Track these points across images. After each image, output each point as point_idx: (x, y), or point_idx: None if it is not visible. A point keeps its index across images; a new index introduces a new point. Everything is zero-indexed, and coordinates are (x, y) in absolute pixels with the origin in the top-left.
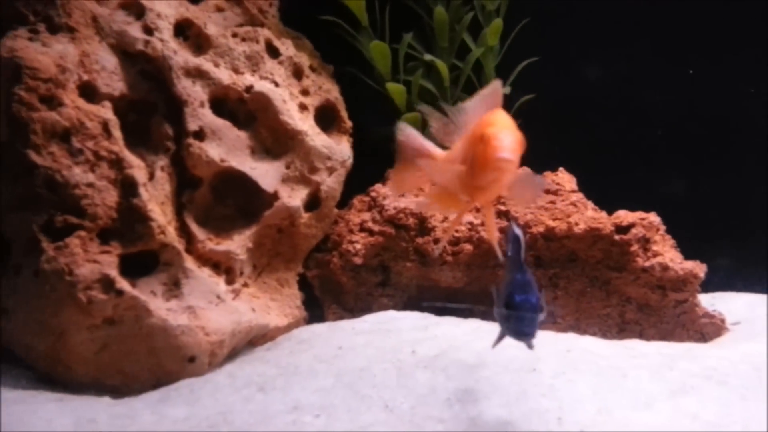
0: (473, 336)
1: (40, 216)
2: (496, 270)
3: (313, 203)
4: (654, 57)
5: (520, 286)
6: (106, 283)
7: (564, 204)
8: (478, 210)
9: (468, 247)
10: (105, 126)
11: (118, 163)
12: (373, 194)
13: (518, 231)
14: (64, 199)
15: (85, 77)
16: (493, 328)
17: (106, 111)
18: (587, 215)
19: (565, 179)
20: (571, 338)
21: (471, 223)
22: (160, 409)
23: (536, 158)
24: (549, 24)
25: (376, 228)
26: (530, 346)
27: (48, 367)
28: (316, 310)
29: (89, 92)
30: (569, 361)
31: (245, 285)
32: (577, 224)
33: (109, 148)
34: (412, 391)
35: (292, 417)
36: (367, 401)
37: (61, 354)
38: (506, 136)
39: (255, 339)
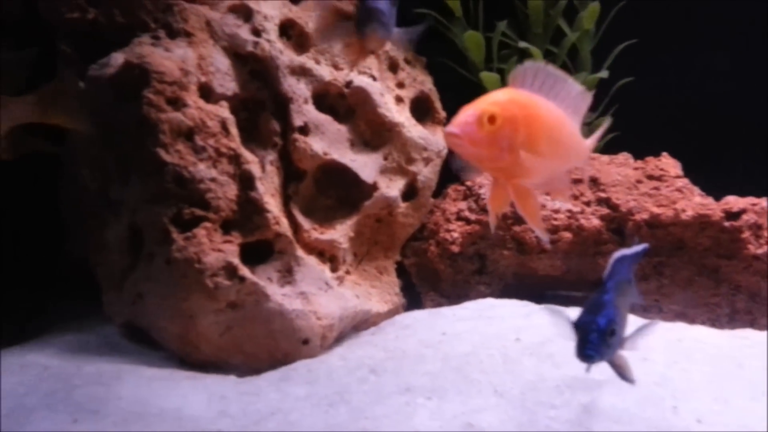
0: None
1: (170, 209)
2: (596, 258)
3: (410, 193)
4: (759, 37)
5: (592, 305)
6: (230, 270)
7: (669, 190)
8: (576, 197)
9: (567, 235)
10: (223, 124)
11: (236, 159)
12: (468, 183)
13: (621, 253)
14: (190, 193)
15: (203, 79)
16: None
17: (224, 110)
18: (694, 201)
19: (669, 164)
20: (681, 327)
21: (570, 211)
22: (283, 388)
23: (637, 143)
24: (646, 5)
25: (472, 217)
26: (587, 370)
27: (179, 347)
28: (413, 297)
29: (207, 93)
30: (681, 351)
31: (347, 272)
32: (684, 211)
33: (228, 145)
34: (520, 377)
35: (405, 398)
36: (476, 385)
37: (191, 335)
38: (467, 110)
39: (358, 324)
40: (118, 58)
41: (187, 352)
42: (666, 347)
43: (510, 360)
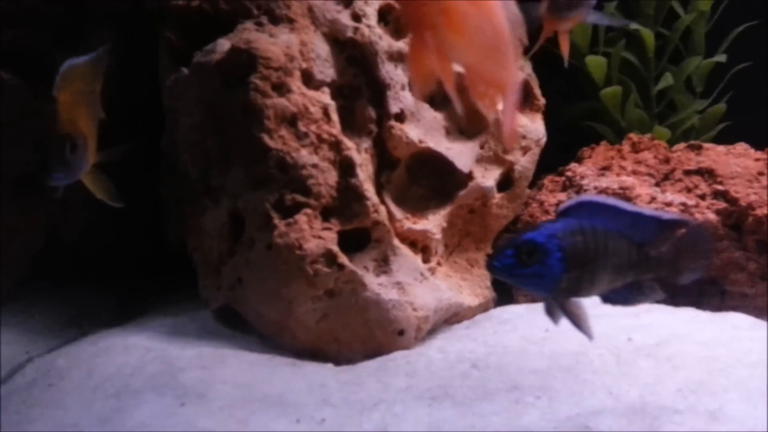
0: (693, 325)
1: (272, 195)
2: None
3: (505, 183)
4: None
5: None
6: (329, 258)
7: None
8: (689, 190)
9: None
10: (325, 111)
11: (336, 146)
12: (568, 174)
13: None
14: (292, 179)
15: (305, 65)
16: (713, 318)
17: (326, 96)
18: None
19: None
20: None
21: (684, 204)
22: (382, 378)
23: (754, 131)
24: None
25: None
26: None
27: (276, 333)
28: (503, 292)
29: (308, 79)
30: None
31: (438, 264)
32: None
33: (329, 131)
34: (636, 379)
35: (513, 396)
36: (589, 386)
37: (288, 322)
38: None
39: (450, 317)
40: (224, 44)
41: (283, 339)
42: None
43: (623, 361)
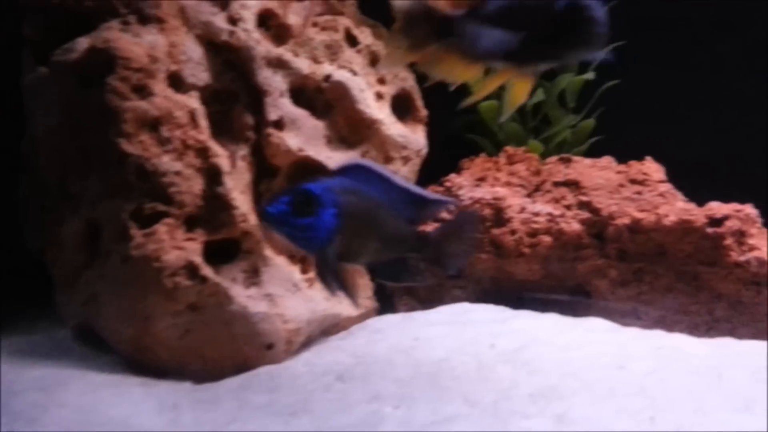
0: (554, 330)
1: (130, 203)
2: (575, 263)
3: None
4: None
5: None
6: (191, 270)
7: (652, 195)
8: (557, 201)
9: (547, 239)
10: (192, 115)
11: (203, 152)
12: (447, 184)
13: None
14: (152, 186)
15: (173, 67)
16: (574, 322)
17: (193, 101)
18: (677, 207)
19: (652, 168)
20: (659, 335)
21: (550, 214)
22: (242, 395)
23: (622, 145)
24: (633, 8)
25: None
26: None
27: (133, 351)
28: (386, 301)
29: (177, 82)
30: (660, 359)
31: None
32: (666, 216)
33: (196, 137)
34: (493, 385)
35: (372, 407)
36: (448, 393)
37: (147, 339)
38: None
39: (328, 328)
40: (82, 43)
41: (142, 357)
42: (644, 355)
43: (484, 367)
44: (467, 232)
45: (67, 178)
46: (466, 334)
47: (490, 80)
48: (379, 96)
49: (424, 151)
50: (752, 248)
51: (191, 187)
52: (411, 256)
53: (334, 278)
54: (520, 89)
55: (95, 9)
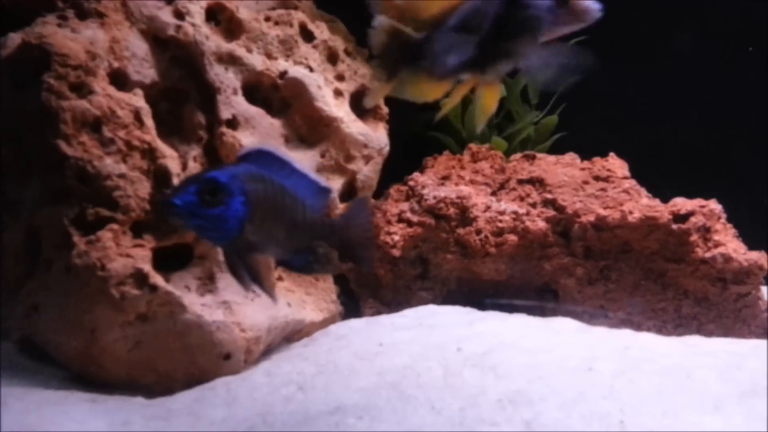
0: (522, 332)
1: (72, 209)
2: (541, 262)
3: (348, 193)
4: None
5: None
6: (140, 278)
7: (616, 191)
8: (522, 199)
9: (512, 238)
10: (137, 115)
11: (150, 153)
12: (411, 183)
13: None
14: (95, 191)
15: (116, 64)
16: (542, 323)
17: (138, 99)
18: (642, 203)
19: (616, 165)
20: (627, 335)
21: (516, 213)
22: (196, 410)
23: (584, 141)
24: None
25: (414, 218)
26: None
27: (80, 366)
28: (351, 304)
29: (120, 80)
30: (628, 360)
31: (279, 278)
32: (631, 213)
33: (141, 137)
34: (460, 392)
35: (334, 419)
36: (413, 402)
37: (93, 352)
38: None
39: (290, 335)
40: (15, 39)
41: (89, 371)
42: (612, 356)
43: (450, 373)
44: (362, 218)
45: (5, 184)
46: (432, 339)
47: (456, 90)
48: (338, 93)
49: (386, 149)
50: (717, 244)
51: (137, 190)
52: (318, 245)
53: (246, 271)
54: (489, 97)
55: (32, 3)
